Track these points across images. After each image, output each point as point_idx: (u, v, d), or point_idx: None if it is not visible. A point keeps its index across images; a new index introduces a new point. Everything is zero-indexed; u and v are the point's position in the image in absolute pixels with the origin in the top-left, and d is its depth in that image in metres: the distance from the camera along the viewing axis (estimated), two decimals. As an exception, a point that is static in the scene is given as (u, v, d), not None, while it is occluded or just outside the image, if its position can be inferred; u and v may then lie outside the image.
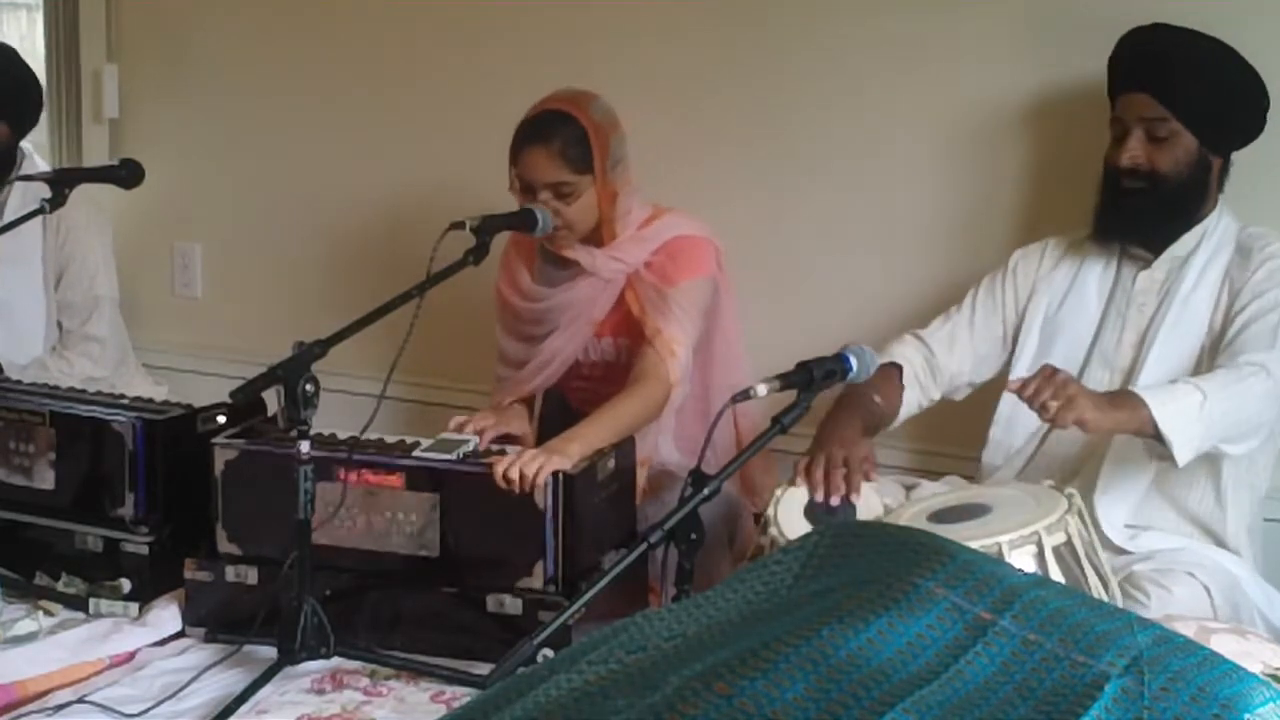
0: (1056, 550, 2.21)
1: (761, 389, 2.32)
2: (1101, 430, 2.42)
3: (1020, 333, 2.78)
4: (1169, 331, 2.63)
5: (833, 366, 2.40)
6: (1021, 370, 2.72)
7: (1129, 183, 2.64)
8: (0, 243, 3.46)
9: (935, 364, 2.78)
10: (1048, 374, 2.38)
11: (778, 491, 2.51)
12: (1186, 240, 2.66)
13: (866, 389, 2.64)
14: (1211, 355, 2.59)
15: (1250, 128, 2.70)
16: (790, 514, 2.44)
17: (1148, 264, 2.69)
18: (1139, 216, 2.66)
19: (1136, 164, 2.62)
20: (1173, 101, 2.60)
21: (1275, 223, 2.69)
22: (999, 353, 2.82)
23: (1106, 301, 2.72)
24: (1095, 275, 2.74)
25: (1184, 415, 2.38)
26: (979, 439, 2.79)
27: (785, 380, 2.36)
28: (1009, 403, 2.70)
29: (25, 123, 3.63)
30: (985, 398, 2.80)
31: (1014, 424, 2.72)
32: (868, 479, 2.53)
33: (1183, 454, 2.39)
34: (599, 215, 2.90)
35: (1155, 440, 2.39)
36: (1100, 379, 2.67)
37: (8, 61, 3.63)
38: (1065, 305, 2.75)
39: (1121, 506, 2.57)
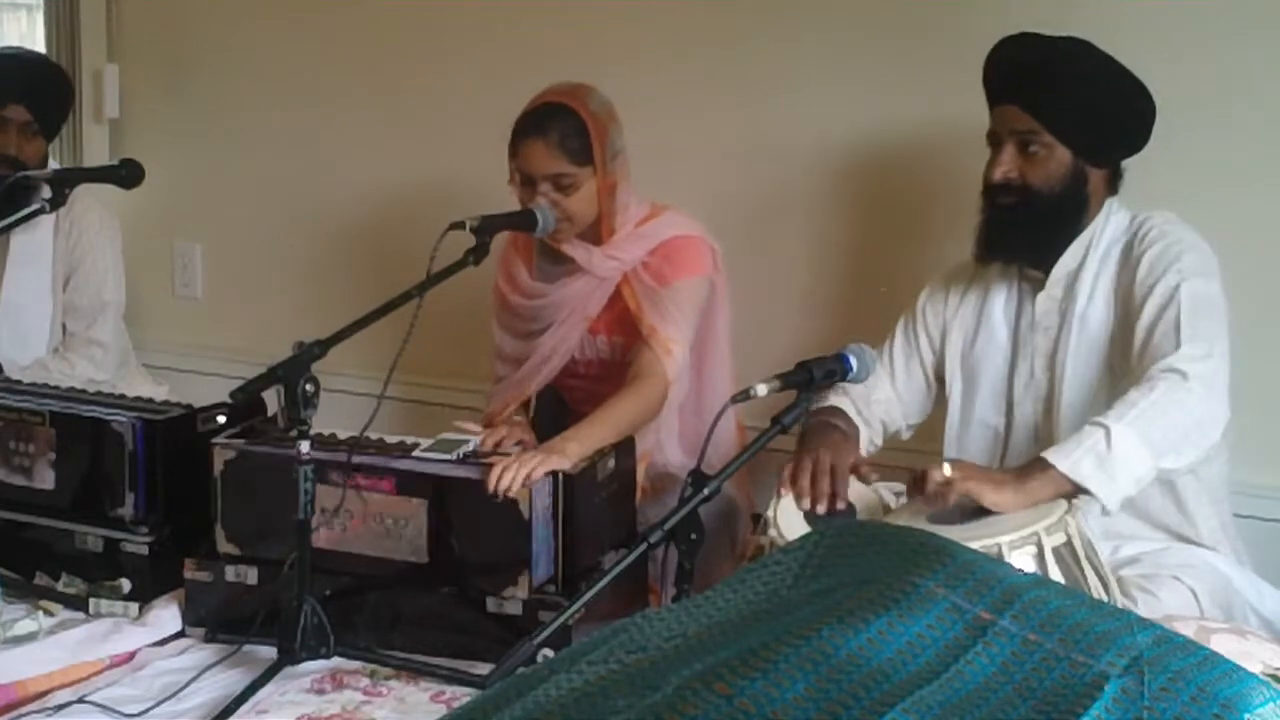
0: (1056, 550, 2.21)
1: (761, 389, 2.32)
2: (1015, 508, 2.27)
3: (945, 374, 2.75)
4: (1075, 352, 2.56)
5: (833, 366, 2.41)
6: (955, 411, 2.71)
7: (1003, 198, 2.56)
8: (13, 244, 3.47)
9: (862, 411, 2.74)
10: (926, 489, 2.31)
11: (777, 493, 2.50)
12: (1074, 251, 2.59)
13: (828, 418, 2.63)
14: (1122, 368, 2.51)
15: (1132, 137, 2.59)
16: (790, 514, 2.43)
17: (1043, 284, 2.62)
18: (1013, 233, 2.57)
19: (1008, 178, 2.55)
20: (1041, 113, 2.52)
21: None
22: (925, 393, 2.80)
23: (1013, 331, 2.67)
24: (1000, 304, 2.69)
25: (1091, 457, 2.28)
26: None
27: (785, 380, 2.36)
28: (953, 444, 2.71)
29: (57, 132, 3.64)
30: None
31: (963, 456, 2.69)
32: (865, 481, 2.51)
33: (1110, 497, 2.28)
34: (598, 208, 2.90)
35: (1083, 493, 2.30)
36: (1026, 412, 2.63)
37: (55, 75, 3.64)
38: (978, 340, 2.70)
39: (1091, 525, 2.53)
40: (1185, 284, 2.45)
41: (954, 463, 2.35)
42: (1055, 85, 2.53)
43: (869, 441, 2.75)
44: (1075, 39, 2.56)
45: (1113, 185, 2.62)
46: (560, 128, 2.84)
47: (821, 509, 2.44)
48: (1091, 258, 2.58)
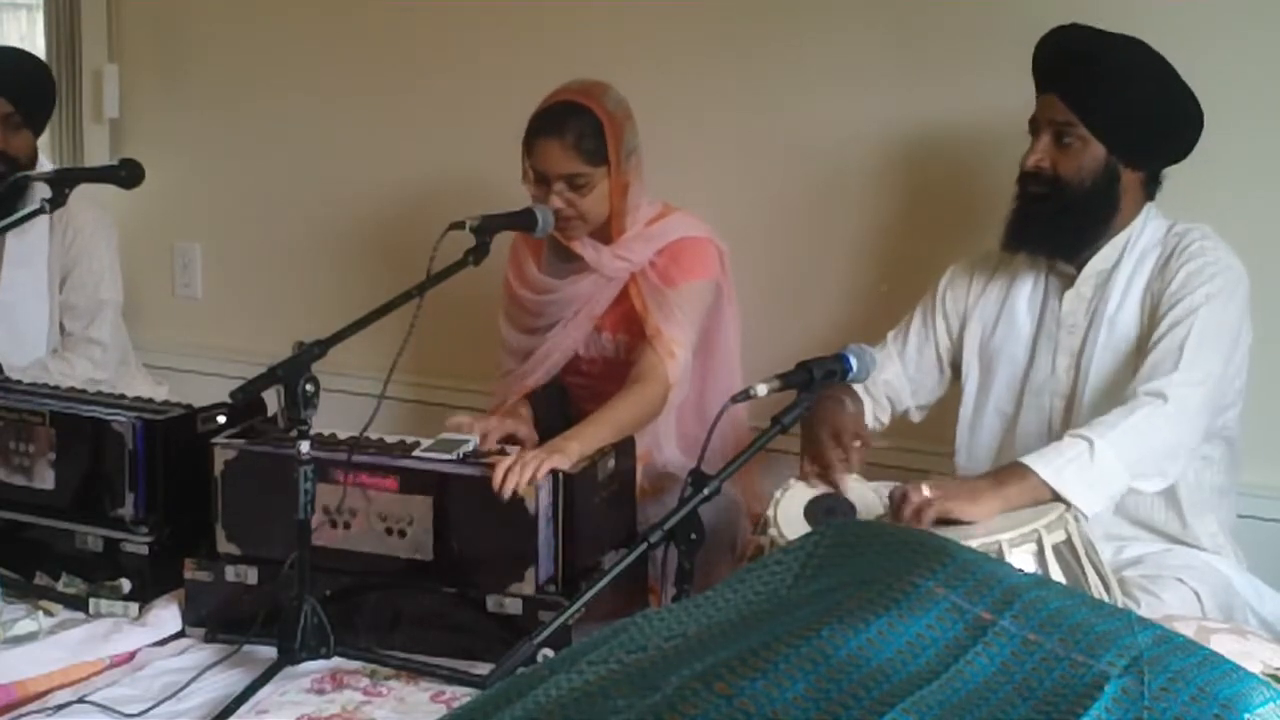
0: (1056, 549, 2.21)
1: (761, 389, 2.32)
2: (988, 516, 2.26)
3: (962, 362, 2.73)
4: (1102, 354, 2.55)
5: (833, 366, 2.41)
6: (970, 399, 2.70)
7: (1033, 187, 2.55)
8: (8, 246, 3.47)
9: (869, 388, 2.72)
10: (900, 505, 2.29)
11: (777, 493, 2.50)
12: (1107, 253, 2.57)
13: (834, 395, 2.60)
14: None
15: (1173, 144, 2.56)
16: (790, 514, 2.43)
17: (1072, 281, 2.61)
18: (1038, 224, 2.56)
19: (1040, 167, 2.53)
20: (1079, 105, 2.50)
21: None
22: (936, 379, 2.78)
23: (1037, 324, 2.65)
24: (1025, 295, 2.67)
25: (1073, 467, 2.28)
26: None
27: (785, 380, 2.36)
28: (965, 430, 2.70)
29: (43, 126, 3.64)
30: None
31: (974, 452, 2.69)
32: (866, 444, 2.52)
33: (1088, 506, 2.28)
34: (610, 207, 2.90)
35: (1059, 502, 2.29)
36: (1043, 405, 2.62)
37: (33, 67, 3.63)
38: (998, 330, 2.69)
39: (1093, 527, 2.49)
40: (1205, 308, 2.44)
41: (933, 483, 2.32)
42: (1097, 79, 2.50)
43: (874, 416, 2.75)
44: (1127, 36, 2.53)
45: (1150, 191, 2.59)
46: (577, 127, 2.84)
47: (836, 475, 2.45)
48: (1126, 261, 2.56)
